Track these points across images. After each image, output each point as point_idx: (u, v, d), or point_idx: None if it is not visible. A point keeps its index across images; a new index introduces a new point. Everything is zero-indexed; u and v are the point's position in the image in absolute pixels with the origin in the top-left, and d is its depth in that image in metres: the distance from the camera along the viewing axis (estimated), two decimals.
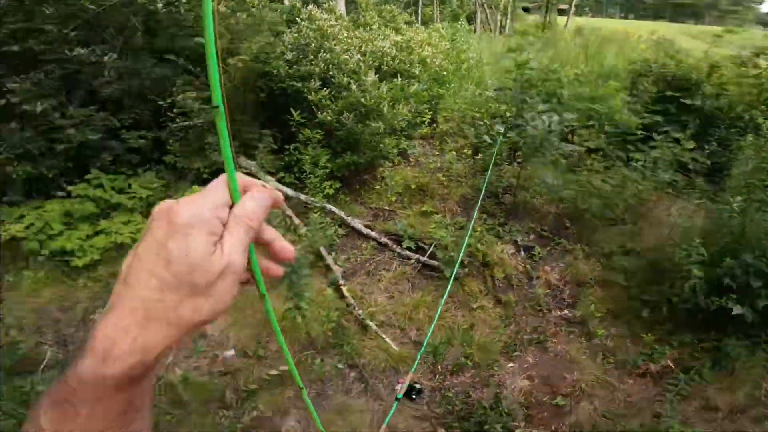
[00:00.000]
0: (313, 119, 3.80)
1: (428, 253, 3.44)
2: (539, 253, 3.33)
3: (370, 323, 2.95)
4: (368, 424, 2.41)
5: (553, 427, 2.44)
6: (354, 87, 3.71)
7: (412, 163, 4.39)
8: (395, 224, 3.61)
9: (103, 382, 0.35)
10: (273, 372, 2.51)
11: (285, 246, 0.45)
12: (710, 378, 2.54)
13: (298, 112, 3.79)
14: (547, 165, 3.50)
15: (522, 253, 3.46)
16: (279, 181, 3.90)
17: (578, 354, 2.81)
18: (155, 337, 0.37)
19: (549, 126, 3.28)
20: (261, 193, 0.42)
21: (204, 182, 3.95)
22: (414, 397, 2.57)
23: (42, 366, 2.50)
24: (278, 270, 0.45)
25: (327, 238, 3.31)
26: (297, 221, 3.55)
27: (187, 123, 3.49)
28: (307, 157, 3.60)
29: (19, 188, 3.27)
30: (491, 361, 2.80)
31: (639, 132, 3.78)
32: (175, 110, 3.50)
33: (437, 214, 3.72)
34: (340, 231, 3.54)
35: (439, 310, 2.87)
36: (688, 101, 4.04)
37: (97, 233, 3.15)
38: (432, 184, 4.00)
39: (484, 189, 3.51)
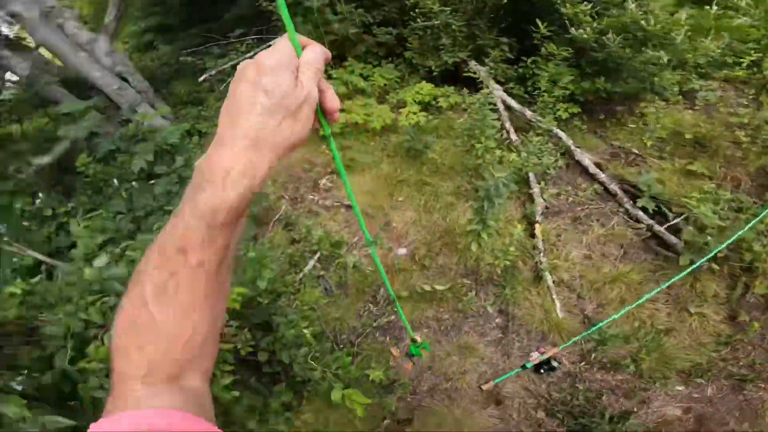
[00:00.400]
0: (562, 34, 3.21)
1: (669, 224, 2.71)
2: None
3: (548, 277, 2.78)
4: (479, 374, 2.54)
5: None
6: (632, 6, 2.65)
7: (698, 108, 3.05)
8: (638, 174, 2.85)
9: (225, 208, 0.45)
10: (426, 287, 2.76)
11: (333, 97, 0.56)
12: None
13: (544, 24, 3.29)
14: None
15: None
16: (506, 91, 3.51)
17: None
18: (262, 161, 0.47)
19: None
20: (318, 47, 0.54)
21: (433, 80, 4.15)
22: (543, 371, 2.50)
23: (276, 217, 3.29)
24: (335, 108, 0.56)
25: (542, 166, 2.95)
26: (514, 137, 3.22)
27: (426, 23, 3.67)
28: (546, 73, 3.00)
29: None
30: (660, 376, 2.38)
31: None
32: (417, 11, 3.77)
33: (711, 179, 2.71)
34: (561, 162, 3.06)
35: (645, 297, 2.42)
36: None
37: (341, 111, 3.73)
38: (720, 139, 2.79)
39: None
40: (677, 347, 2.43)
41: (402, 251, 3.08)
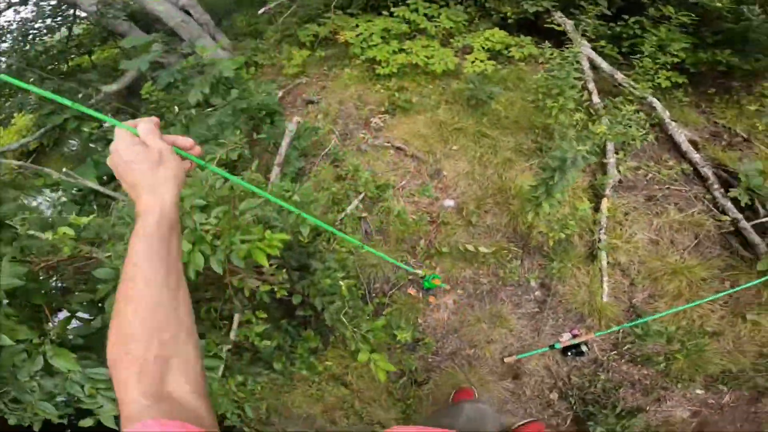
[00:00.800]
0: None
1: (757, 221, 2.41)
2: None
3: (603, 257, 2.60)
4: (505, 346, 2.51)
5: None
6: None
7: None
8: (739, 160, 2.48)
9: (155, 222, 0.70)
10: (470, 247, 2.66)
11: (182, 139, 0.81)
12: None
13: None
14: None
15: None
16: (594, 49, 3.04)
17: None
18: (163, 194, 0.72)
19: None
20: (144, 121, 0.77)
21: (507, 27, 3.76)
22: (570, 354, 2.44)
23: (324, 151, 3.21)
24: (187, 145, 0.82)
25: (626, 136, 2.62)
26: (596, 100, 2.86)
27: None
28: (655, 37, 2.53)
29: (360, 3, 4.00)
30: (687, 377, 2.26)
31: None
32: None
33: None
34: (651, 135, 2.71)
35: (706, 299, 2.26)
36: None
37: (401, 50, 3.56)
38: None
39: None
40: (716, 351, 2.27)
41: (449, 203, 2.96)
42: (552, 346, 2.39)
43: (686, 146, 2.65)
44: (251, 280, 1.61)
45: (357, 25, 3.80)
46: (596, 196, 2.74)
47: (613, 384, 2.37)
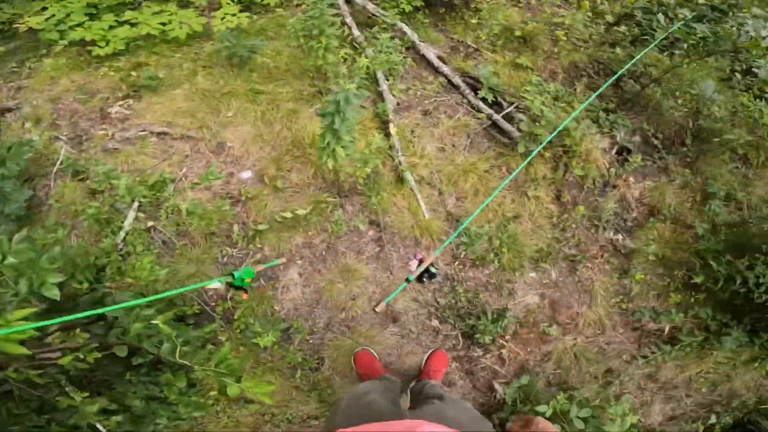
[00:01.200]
0: None
1: (504, 112, 2.93)
2: (634, 161, 2.80)
3: (409, 177, 2.78)
4: (369, 296, 2.53)
5: (529, 350, 2.59)
6: None
7: (521, 5, 3.27)
8: (476, 67, 2.95)
9: None
10: (286, 214, 2.49)
11: None
12: (683, 354, 2.55)
13: None
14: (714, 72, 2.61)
15: (614, 152, 2.91)
16: None
17: (600, 288, 2.72)
18: None
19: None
20: None
21: None
22: (425, 280, 2.61)
23: (55, 167, 2.51)
24: None
25: (389, 63, 2.78)
26: (357, 33, 2.94)
27: None
28: None
29: None
30: (517, 264, 2.74)
31: None
32: None
33: (533, 71, 3.00)
34: (408, 59, 2.96)
35: (497, 190, 2.63)
36: None
37: (121, 23, 3.00)
38: (542, 36, 3.07)
39: (623, 70, 2.71)
40: (524, 234, 2.77)
41: (246, 174, 2.69)
42: (407, 280, 2.51)
43: (437, 62, 3.00)
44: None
45: (45, 8, 2.98)
46: (384, 123, 2.88)
47: (471, 292, 2.64)
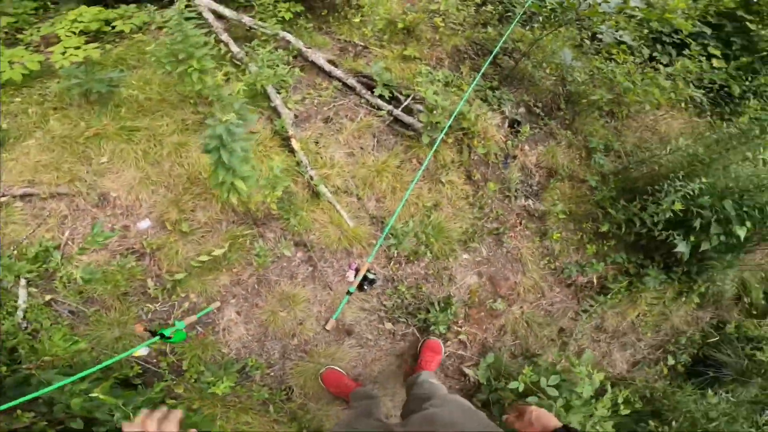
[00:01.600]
0: None
1: (403, 106, 2.99)
2: (525, 131, 3.04)
3: (324, 190, 2.70)
4: (316, 317, 2.43)
5: (484, 328, 2.70)
6: None
7: None
8: (368, 65, 2.97)
9: None
10: (202, 257, 2.27)
11: None
12: (617, 300, 2.86)
13: None
14: (569, 41, 2.95)
15: (507, 126, 3.14)
16: None
17: (527, 253, 2.92)
18: None
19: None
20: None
21: (98, 1, 3.10)
22: (366, 288, 2.57)
23: None
24: None
25: (277, 76, 2.66)
26: (236, 50, 2.77)
27: None
28: None
29: None
30: (448, 250, 2.82)
31: (676, 36, 3.37)
32: None
33: (421, 60, 3.11)
34: (297, 68, 2.86)
35: (413, 184, 2.65)
36: (752, 26, 3.42)
37: None
38: (422, 25, 3.20)
39: (498, 48, 2.90)
40: (447, 219, 2.86)
41: (144, 224, 2.42)
42: (349, 292, 2.44)
43: (328, 66, 2.94)
44: None
45: None
46: (285, 140, 2.76)
47: (414, 288, 2.66)
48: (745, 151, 2.59)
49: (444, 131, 2.61)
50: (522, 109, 3.24)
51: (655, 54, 3.43)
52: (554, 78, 3.31)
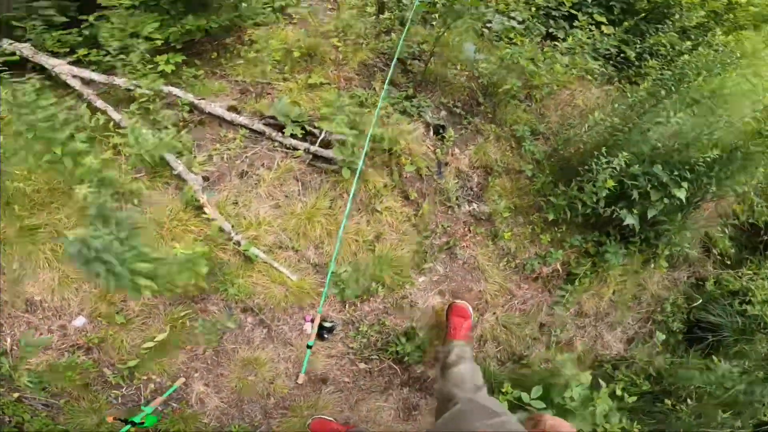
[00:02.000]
0: None
1: (320, 139, 2.80)
2: (450, 135, 2.96)
3: (256, 252, 2.50)
4: (285, 373, 2.40)
5: None
6: None
7: (295, 22, 3.20)
8: (273, 103, 2.76)
9: None
10: (148, 344, 2.20)
11: None
12: (587, 283, 2.85)
13: None
14: (469, 33, 2.93)
15: (432, 134, 3.05)
16: (78, 61, 2.68)
17: (484, 259, 2.86)
18: None
19: None
20: None
21: None
22: (327, 336, 2.46)
23: None
24: None
25: (162, 143, 2.39)
26: (118, 117, 2.48)
27: None
28: (116, 30, 2.28)
29: None
30: (402, 278, 2.69)
31: (563, 9, 3.38)
32: None
33: (330, 84, 2.94)
34: (190, 119, 2.63)
35: (343, 225, 2.49)
36: None
37: None
38: (322, 47, 3.03)
39: (397, 55, 2.77)
40: (393, 247, 2.73)
41: (79, 322, 2.31)
42: (309, 346, 2.26)
43: (229, 115, 2.71)
44: None
45: None
46: (198, 208, 2.51)
47: (377, 324, 2.58)
48: (660, 112, 2.63)
49: (362, 161, 2.45)
50: (443, 113, 3.15)
51: (551, 30, 3.45)
52: (466, 73, 3.24)
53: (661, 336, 2.96)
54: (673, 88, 2.69)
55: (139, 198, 2.31)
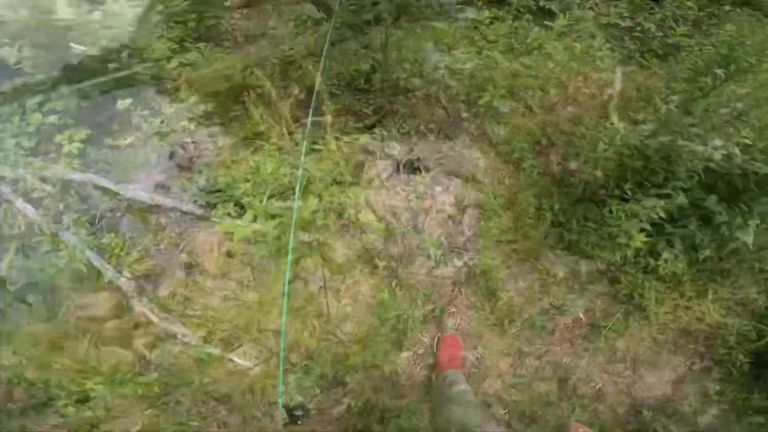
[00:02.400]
0: None
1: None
2: (424, 175, 2.38)
3: (212, 350, 2.24)
4: None
5: None
6: None
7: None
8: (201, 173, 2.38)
9: None
10: None
11: None
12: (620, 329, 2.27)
13: None
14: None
15: (403, 173, 2.48)
16: None
17: (480, 325, 2.34)
18: None
19: None
20: None
21: None
22: (300, 422, 2.20)
23: None
24: None
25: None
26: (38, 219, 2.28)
27: None
28: None
29: None
30: (380, 359, 2.30)
31: None
32: None
33: (269, 141, 2.43)
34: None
35: (285, 305, 2.13)
36: None
37: None
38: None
39: (319, 80, 2.19)
40: (364, 331, 2.32)
41: None
42: None
43: (157, 198, 2.39)
44: None
45: None
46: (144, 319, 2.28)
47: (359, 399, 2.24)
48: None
49: (291, 250, 1.99)
50: (414, 140, 2.54)
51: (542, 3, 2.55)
52: (437, 84, 2.54)
53: (713, 387, 2.30)
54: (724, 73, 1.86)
55: None
